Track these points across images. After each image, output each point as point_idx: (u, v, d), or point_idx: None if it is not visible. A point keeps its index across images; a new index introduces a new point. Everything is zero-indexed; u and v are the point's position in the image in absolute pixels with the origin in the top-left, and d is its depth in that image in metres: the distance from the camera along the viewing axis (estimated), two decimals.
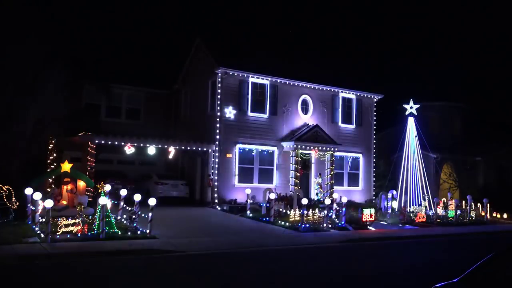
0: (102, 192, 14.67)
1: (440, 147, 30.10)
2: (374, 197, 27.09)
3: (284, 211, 19.62)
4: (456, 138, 32.69)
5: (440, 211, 22.14)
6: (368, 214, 18.62)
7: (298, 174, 24.36)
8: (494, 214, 24.38)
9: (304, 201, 18.15)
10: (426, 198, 22.99)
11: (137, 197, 14.93)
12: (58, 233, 12.87)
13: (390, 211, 21.94)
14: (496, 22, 52.48)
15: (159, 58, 31.84)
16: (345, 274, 10.82)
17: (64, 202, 16.61)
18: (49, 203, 12.74)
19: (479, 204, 23.59)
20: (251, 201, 21.66)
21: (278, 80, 24.82)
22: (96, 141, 20.69)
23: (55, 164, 20.20)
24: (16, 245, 11.71)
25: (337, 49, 33.99)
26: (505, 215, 24.45)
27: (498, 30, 53.44)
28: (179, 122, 28.65)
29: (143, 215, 14.52)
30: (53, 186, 18.07)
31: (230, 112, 23.44)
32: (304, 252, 13.60)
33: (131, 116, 28.52)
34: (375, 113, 28.53)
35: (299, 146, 24.23)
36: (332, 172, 25.44)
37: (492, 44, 50.60)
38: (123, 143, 21.27)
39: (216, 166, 23.12)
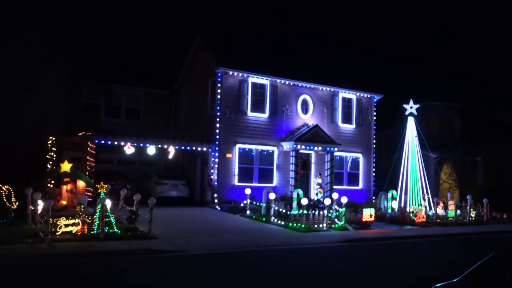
0: (102, 192, 14.66)
1: (440, 147, 30.08)
2: (374, 197, 27.08)
3: (284, 211, 19.61)
4: (456, 138, 32.68)
5: (440, 211, 22.13)
6: (368, 214, 18.61)
7: (298, 174, 24.35)
8: (494, 214, 24.36)
9: (304, 201, 18.14)
10: (426, 198, 22.97)
11: (137, 197, 14.93)
12: (58, 233, 12.86)
13: (390, 211, 21.93)
14: (496, 21, 52.49)
15: (159, 58, 31.84)
16: (345, 274, 10.82)
17: (64, 202, 16.59)
18: (48, 203, 12.74)
19: (479, 204, 23.57)
20: (251, 201, 21.66)
21: (278, 80, 24.82)
22: (96, 141, 20.68)
23: (55, 164, 20.19)
24: (16, 245, 11.70)
25: (337, 49, 33.94)
26: (505, 215, 24.43)
27: (498, 30, 53.45)
28: (179, 122, 28.65)
29: (143, 215, 14.51)
30: (53, 186, 18.05)
31: (230, 112, 23.43)
32: (304, 252, 13.59)
33: (131, 116, 28.54)
34: (375, 113, 28.52)
35: (299, 146, 24.23)
36: (332, 172, 25.43)
37: (492, 43, 50.60)
38: (123, 143, 21.25)
39: (216, 166, 23.11)
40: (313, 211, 18.25)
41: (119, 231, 13.76)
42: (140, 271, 10.39)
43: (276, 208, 19.57)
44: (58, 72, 19.67)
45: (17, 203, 15.20)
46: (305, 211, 18.00)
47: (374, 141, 28.43)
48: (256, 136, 24.17)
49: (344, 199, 18.68)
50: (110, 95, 26.86)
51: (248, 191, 21.42)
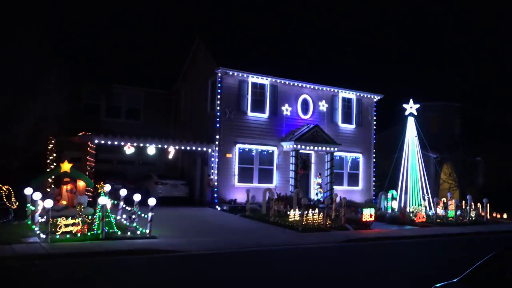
0: (102, 192, 14.67)
1: (440, 147, 30.07)
2: (374, 197, 27.07)
3: (284, 211, 19.60)
4: (456, 138, 32.66)
5: (440, 211, 22.13)
6: (368, 214, 18.61)
7: (298, 174, 24.36)
8: (494, 214, 24.36)
9: (304, 201, 18.15)
10: (426, 198, 22.97)
11: (137, 197, 14.93)
12: (57, 233, 12.87)
13: (390, 211, 21.94)
14: (495, 21, 52.46)
15: (159, 58, 31.84)
16: (345, 274, 10.82)
17: (64, 202, 16.60)
18: (48, 203, 12.74)
19: (479, 204, 23.57)
20: (251, 201, 21.65)
21: (278, 80, 24.82)
22: (96, 141, 20.68)
23: (55, 164, 20.20)
24: (16, 245, 11.71)
25: (337, 49, 33.96)
26: (505, 215, 24.43)
27: (498, 29, 53.44)
28: (179, 122, 28.65)
29: (143, 215, 14.51)
30: (53, 186, 18.05)
31: (230, 112, 23.42)
32: (304, 252, 13.60)
33: (131, 116, 28.53)
34: (375, 113, 28.53)
35: (299, 146, 24.22)
36: (332, 172, 25.43)
37: (492, 43, 50.59)
38: (123, 143, 21.26)
39: (216, 166, 23.11)
40: (313, 211, 18.26)
41: (119, 231, 13.76)
42: (140, 271, 10.39)
43: (276, 208, 19.57)
44: (58, 72, 19.66)
45: (17, 203, 15.20)
46: (305, 211, 17.98)
47: (374, 141, 28.43)
48: (256, 136, 24.17)
49: (344, 199, 18.68)
50: (110, 95, 26.86)
51: (248, 191, 21.43)
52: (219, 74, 23.33)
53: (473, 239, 18.03)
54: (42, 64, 19.47)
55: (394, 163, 24.58)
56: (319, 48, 30.93)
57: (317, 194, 24.77)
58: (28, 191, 14.67)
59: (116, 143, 21.28)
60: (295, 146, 24.16)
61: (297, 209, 18.75)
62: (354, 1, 58.50)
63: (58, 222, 13.11)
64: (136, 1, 48.18)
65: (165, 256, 11.91)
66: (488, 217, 23.40)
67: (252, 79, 24.20)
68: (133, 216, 14.54)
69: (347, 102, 27.51)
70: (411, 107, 23.89)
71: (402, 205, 21.99)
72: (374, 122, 28.45)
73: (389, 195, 22.51)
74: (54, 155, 21.25)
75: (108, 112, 27.71)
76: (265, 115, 24.61)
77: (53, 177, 18.41)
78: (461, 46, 47.58)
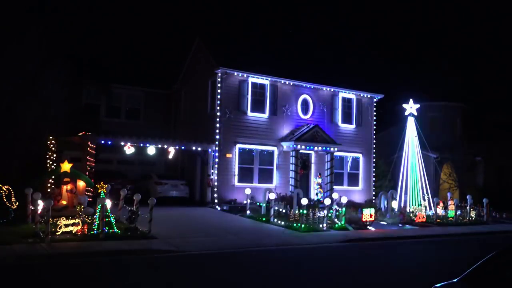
0: (102, 192, 14.66)
1: (440, 147, 30.07)
2: (374, 197, 27.07)
3: (284, 211, 19.60)
4: (456, 138, 32.69)
5: (440, 211, 22.13)
6: (368, 214, 18.61)
7: (298, 174, 24.36)
8: (494, 214, 24.37)
9: (304, 201, 18.14)
10: (426, 198, 22.98)
11: (137, 197, 14.92)
12: (58, 233, 12.86)
13: (390, 211, 21.93)
14: (495, 21, 52.45)
15: (159, 58, 31.83)
16: (345, 274, 10.82)
17: (64, 202, 16.60)
18: (49, 203, 12.74)
19: (479, 204, 23.57)
20: (251, 201, 21.65)
21: (278, 80, 24.82)
22: (96, 141, 20.69)
23: (55, 164, 20.19)
24: (16, 245, 11.71)
25: (338, 49, 33.92)
26: (505, 215, 24.43)
27: (497, 29, 53.44)
28: (179, 122, 28.65)
29: (143, 215, 14.51)
30: (53, 186, 18.04)
31: (230, 112, 23.43)
32: (304, 252, 13.60)
33: (131, 116, 28.54)
34: (375, 113, 28.53)
35: (298, 146, 24.23)
36: (332, 172, 25.43)
37: (491, 43, 50.58)
38: (123, 143, 21.25)
39: (216, 166, 23.11)
40: (313, 211, 18.25)
41: (119, 231, 13.76)
42: (140, 271, 10.39)
43: (276, 208, 19.57)
44: (58, 72, 19.66)
45: (17, 203, 15.20)
46: (305, 211, 17.99)
47: (374, 141, 28.43)
48: (256, 136, 24.17)
49: (344, 199, 18.68)
50: (110, 95, 26.86)
51: (248, 191, 21.43)
52: (219, 74, 23.33)
53: (473, 239, 18.03)
54: (42, 64, 19.48)
55: (394, 163, 24.58)
56: (320, 48, 30.91)
57: (317, 194, 24.76)
58: (28, 191, 14.67)
59: (116, 143, 21.28)
60: (295, 146, 24.17)
61: (297, 209, 18.75)
62: (355, 1, 58.49)
63: (58, 222, 13.11)
64: (136, 1, 48.17)
65: (165, 256, 11.91)
66: (488, 217, 23.40)
67: (252, 79, 24.20)
68: (133, 216, 14.53)
69: (347, 102, 27.51)
70: (411, 107, 23.90)
71: (402, 205, 21.99)
72: (374, 122, 28.46)
73: (389, 195, 22.50)
74: (54, 155, 21.24)
75: (108, 112, 27.72)
76: (265, 115, 24.61)
77: (53, 177, 18.39)
78: (462, 46, 47.59)
